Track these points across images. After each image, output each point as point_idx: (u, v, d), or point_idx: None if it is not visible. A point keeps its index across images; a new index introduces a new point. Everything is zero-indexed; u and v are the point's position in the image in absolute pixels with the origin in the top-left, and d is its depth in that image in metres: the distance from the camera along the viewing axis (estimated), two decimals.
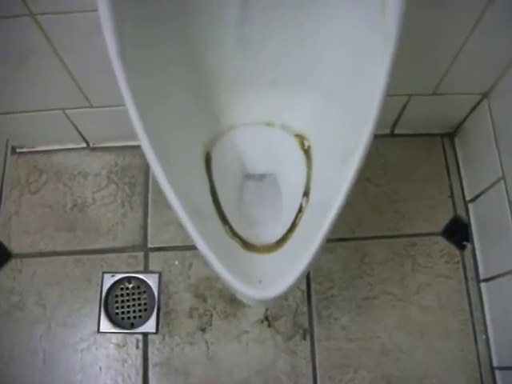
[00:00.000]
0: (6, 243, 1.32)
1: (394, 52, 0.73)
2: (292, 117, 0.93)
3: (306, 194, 0.88)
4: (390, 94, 1.20)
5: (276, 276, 0.76)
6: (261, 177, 0.95)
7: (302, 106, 0.92)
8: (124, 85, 0.72)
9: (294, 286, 0.70)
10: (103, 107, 1.23)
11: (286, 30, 0.86)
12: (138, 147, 0.71)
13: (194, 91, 0.92)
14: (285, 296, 0.82)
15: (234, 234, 0.86)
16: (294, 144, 0.93)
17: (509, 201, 1.16)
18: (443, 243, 1.31)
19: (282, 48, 0.87)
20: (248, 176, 0.95)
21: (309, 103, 0.91)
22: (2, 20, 0.96)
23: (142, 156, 0.71)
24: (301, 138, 0.93)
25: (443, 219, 1.34)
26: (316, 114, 0.91)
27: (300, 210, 0.87)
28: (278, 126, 0.94)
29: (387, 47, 0.72)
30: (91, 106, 1.23)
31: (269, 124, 0.94)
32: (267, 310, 1.26)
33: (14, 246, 1.32)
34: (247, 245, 0.86)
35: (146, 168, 1.36)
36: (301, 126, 0.93)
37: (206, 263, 1.23)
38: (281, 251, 0.85)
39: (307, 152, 0.91)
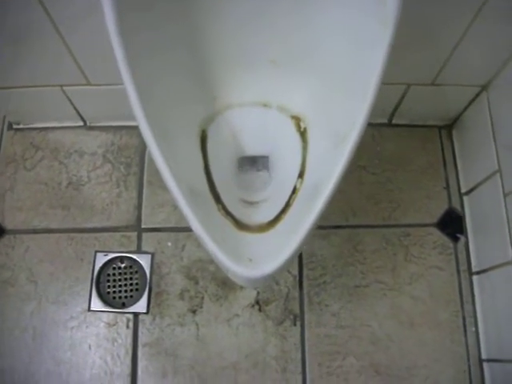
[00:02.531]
0: None
1: (392, 35, 0.72)
2: (289, 98, 0.93)
3: (301, 175, 0.88)
4: (388, 83, 1.22)
5: (267, 255, 0.76)
6: (256, 157, 0.95)
7: (299, 87, 0.91)
8: (122, 60, 0.72)
9: (284, 267, 0.70)
10: (101, 85, 1.23)
11: (286, 11, 0.86)
12: (135, 127, 0.71)
13: (193, 69, 0.91)
14: (275, 276, 0.81)
15: (227, 213, 0.86)
16: (291, 126, 0.92)
17: (504, 194, 1.16)
18: (437, 234, 1.32)
19: (282, 29, 0.87)
20: (243, 156, 0.95)
21: (306, 85, 0.91)
22: None
23: (139, 136, 0.71)
24: (297, 120, 0.92)
25: (438, 211, 1.34)
26: (313, 96, 0.91)
27: (294, 191, 0.87)
28: (274, 107, 0.94)
29: (386, 30, 0.71)
30: (89, 84, 1.22)
31: (265, 105, 0.94)
32: (258, 294, 1.26)
33: (8, 223, 1.32)
34: (239, 224, 0.86)
35: (142, 148, 1.36)
36: (298, 108, 0.93)
37: (199, 245, 1.25)
38: (273, 231, 0.84)
39: (303, 134, 0.91)
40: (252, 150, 0.95)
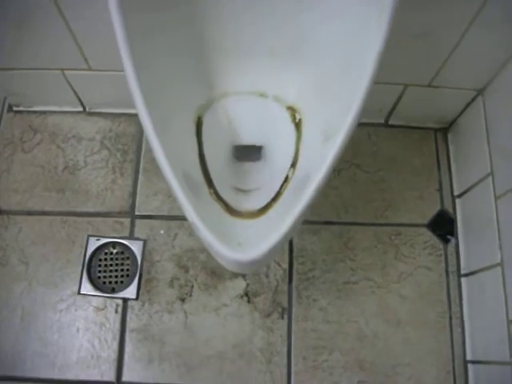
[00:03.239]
0: None
1: (388, 26, 0.73)
2: (285, 89, 0.94)
3: (293, 165, 0.89)
4: (386, 83, 1.23)
5: (256, 240, 0.77)
6: (250, 146, 0.95)
7: (296, 78, 0.92)
8: (123, 46, 0.73)
9: (273, 252, 0.70)
10: (102, 71, 1.24)
11: (283, 4, 0.87)
12: (134, 115, 0.73)
13: (191, 56, 0.92)
14: (263, 262, 0.82)
15: (218, 198, 0.87)
16: (286, 116, 0.93)
17: (495, 197, 1.17)
18: (428, 235, 1.32)
19: (281, 19, 0.88)
20: (237, 144, 0.95)
21: (303, 76, 0.92)
22: None
23: (137, 124, 0.73)
24: (293, 111, 0.93)
25: (430, 212, 1.35)
26: (309, 87, 0.92)
27: (286, 180, 0.88)
28: (271, 97, 0.95)
29: (382, 20, 0.72)
30: (90, 69, 1.24)
31: (262, 94, 0.95)
32: (247, 285, 1.26)
33: (2, 203, 1.33)
34: (230, 210, 0.86)
35: (139, 136, 1.37)
36: (294, 99, 0.93)
37: (191, 234, 1.26)
38: (263, 218, 0.85)
39: (298, 125, 0.92)
40: (247, 138, 0.96)
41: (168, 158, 0.71)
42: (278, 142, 0.94)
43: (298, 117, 0.93)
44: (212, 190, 0.87)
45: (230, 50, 0.92)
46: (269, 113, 0.95)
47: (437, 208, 1.35)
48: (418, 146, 1.40)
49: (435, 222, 1.34)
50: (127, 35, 0.73)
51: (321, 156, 0.74)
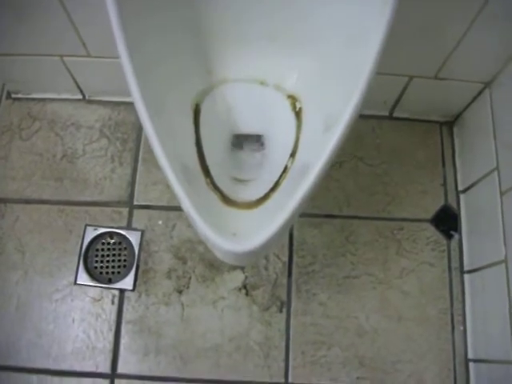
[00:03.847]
0: None
1: (391, 15, 0.71)
2: (286, 77, 0.91)
3: (293, 155, 0.86)
4: (390, 74, 1.21)
5: (251, 231, 0.75)
6: (249, 135, 0.93)
7: (297, 66, 0.90)
8: (118, 30, 0.71)
9: (268, 244, 0.68)
10: (101, 58, 1.22)
11: None
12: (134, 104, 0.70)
13: (190, 41, 0.90)
14: (259, 253, 0.80)
15: (215, 188, 0.85)
16: (286, 105, 0.91)
17: (500, 192, 1.14)
18: (431, 231, 1.30)
19: (282, 4, 0.86)
20: (236, 132, 0.93)
21: (304, 65, 0.90)
22: None
23: (137, 113, 0.70)
24: (293, 100, 0.91)
25: (433, 207, 1.32)
26: (310, 77, 0.89)
27: (285, 170, 0.86)
28: (271, 85, 0.92)
29: (386, 6, 0.70)
30: (89, 56, 1.22)
31: (262, 83, 0.93)
32: (246, 278, 1.25)
33: (0, 191, 1.31)
34: (227, 199, 0.84)
35: (139, 125, 1.35)
36: (294, 88, 0.91)
37: (189, 225, 1.24)
38: (260, 209, 0.83)
39: (298, 114, 0.90)
40: (246, 127, 0.93)
41: (163, 146, 0.69)
42: (278, 131, 0.92)
43: (298, 105, 0.91)
44: (209, 180, 0.85)
45: (231, 35, 0.90)
46: (269, 101, 0.92)
47: (440, 203, 1.33)
48: (422, 139, 1.38)
49: (439, 217, 1.31)
50: (121, 17, 0.72)
51: (321, 146, 0.72)
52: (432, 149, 1.37)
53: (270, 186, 0.86)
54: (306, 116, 0.89)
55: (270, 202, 0.84)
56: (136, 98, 0.69)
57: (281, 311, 1.23)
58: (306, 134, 0.87)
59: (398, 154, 1.35)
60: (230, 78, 0.92)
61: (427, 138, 1.38)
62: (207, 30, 0.89)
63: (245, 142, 0.93)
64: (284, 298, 1.24)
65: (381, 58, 0.71)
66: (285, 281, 1.25)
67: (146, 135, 0.69)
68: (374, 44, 0.71)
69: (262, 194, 0.85)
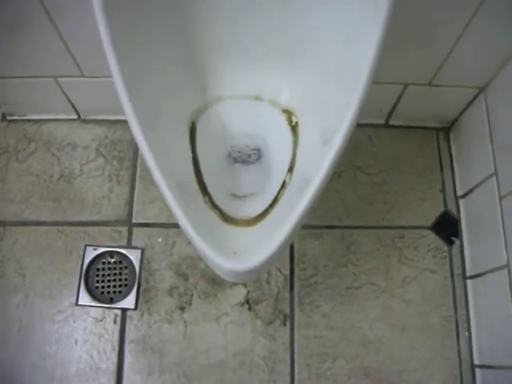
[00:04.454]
0: None
1: (384, 28, 0.71)
2: (281, 92, 0.92)
3: (291, 170, 0.86)
4: (385, 82, 1.21)
5: (251, 249, 0.75)
6: (246, 150, 0.93)
7: (291, 82, 0.90)
8: (110, 51, 0.71)
9: (270, 261, 0.68)
10: (95, 77, 1.22)
11: (281, 5, 0.85)
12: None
13: (184, 60, 0.90)
14: (260, 270, 0.80)
15: (213, 206, 0.84)
16: (282, 120, 0.91)
17: (500, 197, 1.14)
18: (431, 237, 1.30)
19: (276, 22, 0.86)
20: (233, 150, 0.93)
21: (299, 79, 0.90)
22: None
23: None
24: (289, 114, 0.91)
25: (433, 213, 1.32)
26: (305, 90, 0.89)
27: (283, 185, 0.86)
28: (266, 100, 0.92)
29: (378, 19, 0.70)
30: (83, 76, 1.21)
31: (257, 98, 0.93)
32: (248, 293, 1.24)
33: None
34: (226, 217, 0.84)
35: (135, 143, 1.32)
36: (290, 102, 0.91)
37: (189, 242, 1.23)
38: (260, 226, 0.83)
39: (294, 128, 0.90)
40: (242, 143, 0.93)
41: (160, 165, 0.69)
42: (275, 146, 0.92)
43: (294, 120, 0.91)
44: (207, 198, 0.85)
45: (225, 53, 0.90)
46: (264, 116, 0.92)
47: (440, 209, 1.32)
48: (419, 146, 1.38)
49: (439, 223, 1.31)
50: (111, 29, 0.72)
51: (318, 160, 0.72)
52: (429, 155, 1.37)
53: (269, 201, 0.86)
54: (302, 130, 0.89)
55: (270, 219, 0.83)
56: (129, 115, 0.70)
57: (284, 325, 1.22)
58: (303, 148, 0.87)
59: (395, 161, 1.35)
60: (224, 94, 0.92)
61: (424, 145, 1.38)
62: (203, 50, 0.89)
63: (242, 158, 0.93)
64: (287, 311, 1.23)
65: (376, 66, 0.71)
66: (287, 294, 1.24)
67: (141, 153, 0.69)
68: (368, 53, 0.71)
69: (261, 210, 0.85)
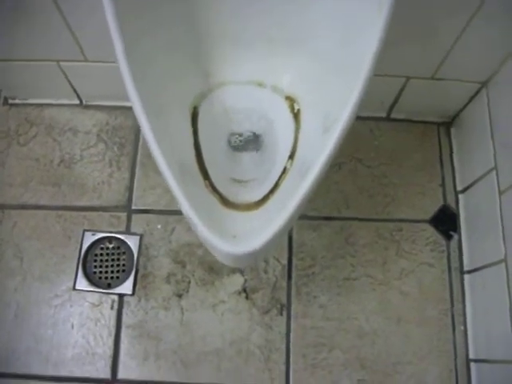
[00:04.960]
0: None
1: (386, 19, 0.70)
2: (284, 79, 0.92)
3: (292, 156, 0.86)
4: (387, 75, 1.21)
5: (251, 233, 0.75)
6: (248, 136, 0.93)
7: (294, 68, 0.90)
8: (116, 36, 0.71)
9: (268, 246, 0.68)
10: (98, 62, 1.22)
11: None
12: (131, 108, 0.70)
13: (188, 46, 0.90)
14: (259, 255, 0.80)
15: (214, 190, 0.85)
16: (284, 106, 0.91)
17: (499, 191, 1.14)
18: (430, 231, 1.30)
19: (280, 7, 0.86)
20: (234, 135, 0.93)
21: (301, 66, 0.90)
22: None
23: (134, 117, 0.70)
24: (291, 101, 0.91)
25: (432, 207, 1.32)
26: (307, 78, 0.89)
27: (284, 171, 0.86)
28: (269, 86, 0.92)
29: (381, 10, 0.70)
30: (86, 60, 1.21)
31: (260, 84, 0.93)
32: (246, 281, 1.24)
33: None
34: (226, 202, 0.84)
35: (136, 129, 1.35)
36: (292, 89, 0.91)
37: (188, 229, 1.24)
38: (260, 210, 0.83)
39: (296, 115, 0.90)
40: (244, 128, 0.93)
41: (162, 148, 0.69)
42: (276, 133, 0.92)
43: (296, 107, 0.91)
44: (207, 182, 0.85)
45: (228, 34, 0.90)
46: (267, 103, 0.92)
47: (439, 203, 1.32)
48: (420, 140, 1.38)
49: (437, 217, 1.31)
50: (117, 16, 0.71)
51: (319, 147, 0.72)
52: (430, 150, 1.37)
53: (269, 187, 0.86)
54: (304, 117, 0.89)
55: (270, 204, 0.83)
56: (133, 99, 0.69)
57: (281, 314, 1.23)
58: (304, 135, 0.87)
59: (395, 155, 1.35)
60: (227, 80, 0.92)
61: (425, 139, 1.38)
62: (204, 28, 0.89)
63: (243, 143, 0.93)
64: (284, 300, 1.23)
65: (379, 57, 0.71)
66: (284, 283, 1.25)
67: (144, 137, 0.69)
68: (371, 42, 0.71)
69: (261, 195, 0.86)
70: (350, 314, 1.23)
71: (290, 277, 1.25)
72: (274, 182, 0.86)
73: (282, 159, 0.87)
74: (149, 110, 0.70)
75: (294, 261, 1.26)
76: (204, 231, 0.67)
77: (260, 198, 0.85)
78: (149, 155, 0.70)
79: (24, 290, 1.24)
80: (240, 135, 0.93)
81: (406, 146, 1.37)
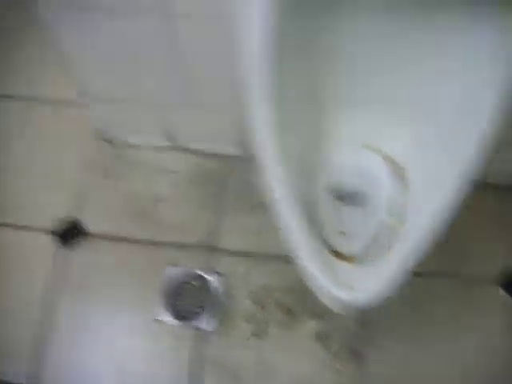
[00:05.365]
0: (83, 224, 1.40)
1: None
2: (390, 143, 0.97)
3: (398, 216, 0.91)
4: None
5: (366, 283, 0.80)
6: (354, 193, 0.98)
7: (406, 135, 0.94)
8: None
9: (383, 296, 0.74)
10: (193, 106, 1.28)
11: (405, 57, 0.90)
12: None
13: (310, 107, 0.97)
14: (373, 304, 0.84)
15: (324, 241, 0.90)
16: (389, 169, 0.96)
17: None
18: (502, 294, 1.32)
19: (395, 74, 0.92)
20: (342, 190, 0.98)
21: (409, 132, 0.94)
22: None
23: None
24: (397, 165, 0.96)
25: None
26: (418, 146, 0.93)
27: (388, 228, 0.91)
28: (375, 149, 0.98)
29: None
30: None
31: (366, 146, 0.98)
32: (322, 326, 1.28)
33: (90, 227, 1.40)
34: (336, 253, 0.89)
35: (226, 173, 1.42)
36: (400, 153, 0.96)
37: (269, 272, 1.29)
38: (362, 265, 0.88)
39: (402, 177, 0.94)
40: (349, 185, 0.99)
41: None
42: (381, 193, 0.96)
43: (402, 171, 0.95)
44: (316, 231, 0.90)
45: (343, 100, 0.96)
46: (372, 164, 0.97)
47: None
48: None
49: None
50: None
51: (430, 213, 0.78)
52: None
53: (368, 241, 0.91)
54: (410, 180, 0.93)
55: (374, 259, 0.88)
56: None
57: (355, 361, 1.26)
58: (411, 197, 0.91)
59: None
60: (336, 136, 0.98)
61: None
62: (320, 91, 0.95)
63: (349, 197, 0.98)
64: (359, 348, 1.27)
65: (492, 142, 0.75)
66: (360, 331, 1.28)
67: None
68: (489, 117, 0.76)
69: (363, 249, 0.91)
70: (425, 368, 1.25)
71: (366, 325, 1.29)
72: (372, 236, 0.91)
73: (383, 216, 0.92)
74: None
75: (371, 310, 1.29)
76: (325, 283, 0.73)
77: (362, 252, 0.90)
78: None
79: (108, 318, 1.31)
80: (345, 189, 0.98)
81: None
